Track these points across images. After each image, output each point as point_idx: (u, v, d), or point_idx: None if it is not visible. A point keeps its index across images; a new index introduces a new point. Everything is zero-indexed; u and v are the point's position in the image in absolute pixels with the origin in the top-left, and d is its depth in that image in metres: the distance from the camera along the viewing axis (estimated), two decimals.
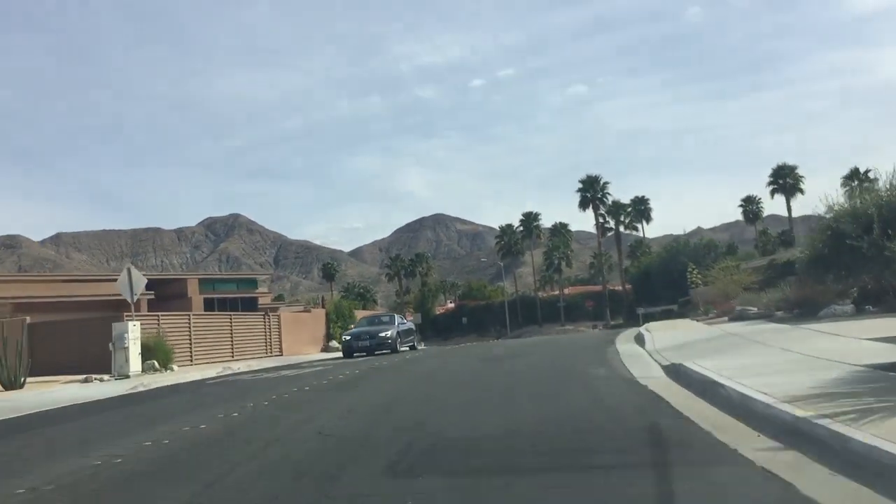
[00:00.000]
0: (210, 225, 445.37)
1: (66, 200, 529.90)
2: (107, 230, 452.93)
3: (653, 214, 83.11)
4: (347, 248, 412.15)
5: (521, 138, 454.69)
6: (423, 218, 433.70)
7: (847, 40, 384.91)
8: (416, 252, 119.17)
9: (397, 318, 36.08)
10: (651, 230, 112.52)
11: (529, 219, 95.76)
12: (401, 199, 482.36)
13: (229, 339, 34.71)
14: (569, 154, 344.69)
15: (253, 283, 61.79)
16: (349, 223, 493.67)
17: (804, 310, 22.19)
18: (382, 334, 30.84)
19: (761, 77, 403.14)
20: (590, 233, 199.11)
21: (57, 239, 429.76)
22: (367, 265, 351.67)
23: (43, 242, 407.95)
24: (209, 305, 51.74)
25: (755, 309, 26.57)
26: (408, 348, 33.89)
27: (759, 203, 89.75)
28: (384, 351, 30.58)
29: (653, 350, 17.05)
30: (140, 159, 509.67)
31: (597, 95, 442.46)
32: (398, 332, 32.23)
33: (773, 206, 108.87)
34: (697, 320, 32.06)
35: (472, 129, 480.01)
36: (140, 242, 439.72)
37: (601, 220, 79.03)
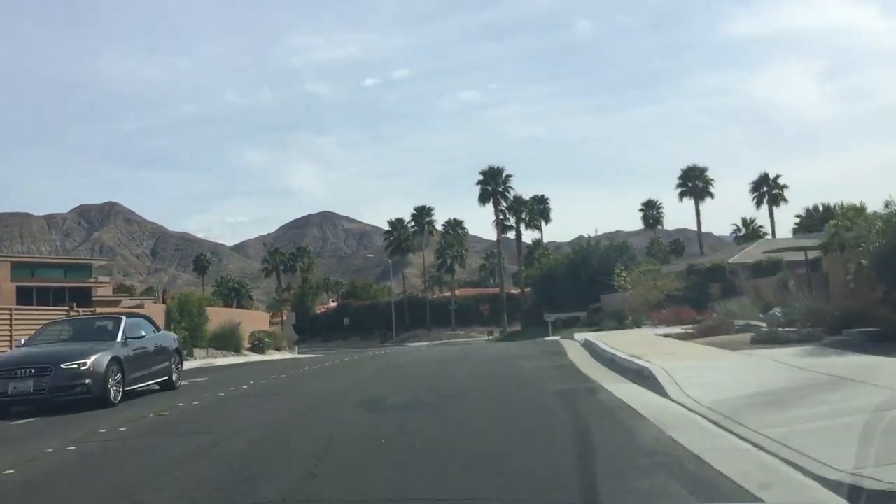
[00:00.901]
0: (83, 212, 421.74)
1: None
2: None
3: (552, 215, 76.14)
4: (231, 243, 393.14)
5: (413, 139, 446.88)
6: (311, 215, 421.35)
7: (726, 62, 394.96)
8: (299, 246, 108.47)
9: (127, 326, 15.64)
10: (548, 235, 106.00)
11: (422, 213, 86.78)
12: (288, 195, 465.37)
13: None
14: (462, 158, 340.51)
15: (86, 271, 50.19)
16: (234, 217, 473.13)
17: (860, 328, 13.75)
18: (67, 365, 13.30)
19: (647, 92, 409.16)
20: (479, 237, 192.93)
21: None
22: (250, 260, 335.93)
23: None
24: (24, 296, 40.23)
25: (763, 326, 18.27)
26: (155, 386, 16.28)
27: (659, 208, 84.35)
28: (67, 397, 13.23)
29: (716, 414, 8.03)
30: (9, 139, 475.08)
31: (489, 102, 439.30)
32: (114, 360, 14.02)
33: (682, 215, 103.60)
34: (664, 334, 23.36)
35: (364, 128, 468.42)
36: (6, 228, 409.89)
37: (501, 216, 70.91)
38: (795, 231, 69.15)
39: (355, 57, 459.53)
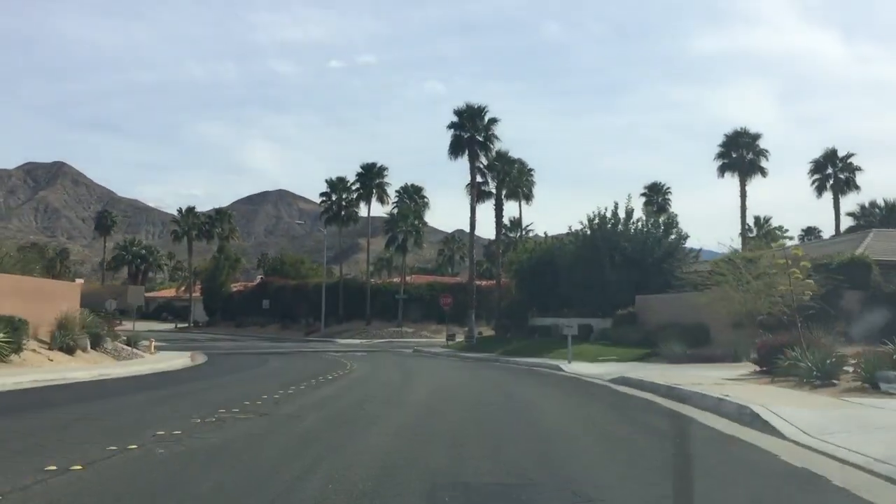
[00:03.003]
0: (30, 170, 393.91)
1: None
2: None
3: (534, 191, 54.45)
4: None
5: (375, 125, 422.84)
6: (266, 192, 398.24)
7: (686, 77, 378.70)
8: (217, 208, 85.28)
9: None
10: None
11: (371, 173, 64.43)
12: (245, 171, 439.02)
13: None
14: (425, 149, 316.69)
15: None
16: (187, 189, 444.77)
17: None
18: None
19: (608, 101, 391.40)
20: (437, 229, 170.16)
21: None
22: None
23: None
24: None
25: None
26: None
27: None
28: None
29: None
30: None
31: (453, 94, 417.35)
32: None
33: None
34: None
35: (325, 110, 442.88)
36: None
37: (479, 176, 49.18)
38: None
39: (321, 39, 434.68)
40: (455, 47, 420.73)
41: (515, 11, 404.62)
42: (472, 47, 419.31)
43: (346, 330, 62.68)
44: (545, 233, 44.46)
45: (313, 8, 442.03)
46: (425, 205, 66.76)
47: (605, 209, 37.17)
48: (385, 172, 64.93)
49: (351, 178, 65.72)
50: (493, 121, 48.70)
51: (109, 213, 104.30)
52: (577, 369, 23.57)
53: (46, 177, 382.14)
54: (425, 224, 63.54)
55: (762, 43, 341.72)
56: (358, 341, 56.94)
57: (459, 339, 47.05)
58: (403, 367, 27.94)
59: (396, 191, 66.83)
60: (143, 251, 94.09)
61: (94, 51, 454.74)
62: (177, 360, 30.96)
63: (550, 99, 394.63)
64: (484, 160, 49.17)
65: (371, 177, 64.06)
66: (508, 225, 62.73)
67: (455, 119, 48.41)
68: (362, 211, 67.18)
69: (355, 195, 65.42)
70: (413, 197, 65.96)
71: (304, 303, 67.42)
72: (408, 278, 69.91)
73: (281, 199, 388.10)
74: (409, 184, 66.80)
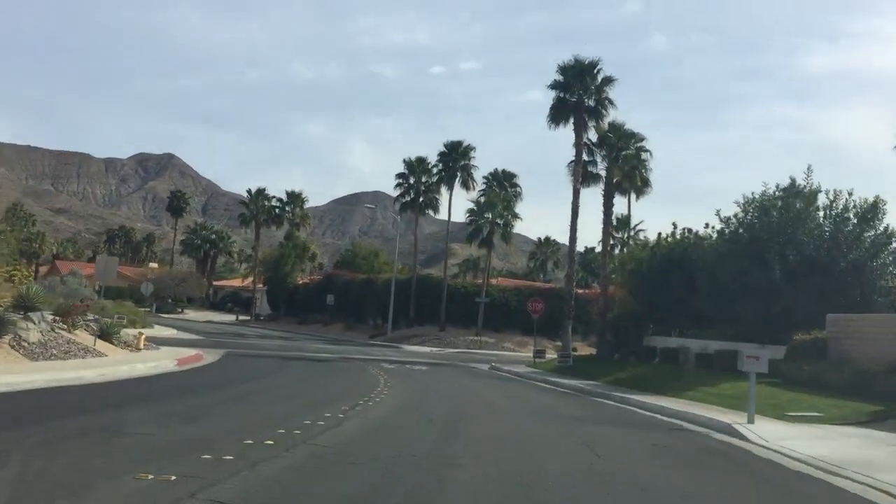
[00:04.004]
0: (142, 161, 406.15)
1: None
2: (32, 146, 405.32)
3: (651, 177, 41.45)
4: None
5: (474, 132, 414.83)
6: (363, 193, 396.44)
7: (798, 95, 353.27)
8: (289, 190, 76.32)
9: None
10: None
11: (456, 153, 53.94)
12: (343, 172, 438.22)
13: None
14: (520, 159, 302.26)
15: None
16: (288, 185, 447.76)
17: None
18: None
19: (715, 115, 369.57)
20: (527, 237, 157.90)
21: None
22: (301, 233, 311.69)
23: None
24: None
25: None
26: None
27: None
28: None
29: None
30: (81, 81, 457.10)
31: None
32: None
33: None
34: None
35: (425, 115, 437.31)
36: (65, 165, 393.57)
37: (585, 153, 37.78)
38: None
39: (425, 43, 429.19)
40: (559, 56, 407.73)
41: (622, 22, 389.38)
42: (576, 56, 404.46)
43: (416, 335, 52.39)
44: (660, 234, 32.87)
45: (419, 12, 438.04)
46: (517, 195, 55.79)
47: (773, 186, 25.38)
48: (472, 153, 54.25)
49: (432, 159, 55.42)
50: (608, 81, 37.31)
51: (182, 193, 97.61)
52: (777, 440, 12.28)
53: (156, 167, 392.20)
54: (517, 217, 52.56)
55: (879, 62, 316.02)
56: (427, 349, 46.64)
57: (550, 355, 35.94)
58: (461, 400, 17.33)
59: (484, 177, 56.17)
60: (213, 236, 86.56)
61: (206, 47, 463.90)
62: (157, 363, 21.58)
63: (652, 110, 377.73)
64: (592, 131, 37.97)
65: (455, 157, 53.49)
66: (615, 223, 50.98)
67: (559, 77, 37.32)
68: (443, 202, 56.73)
69: (436, 178, 55.05)
70: (503, 184, 55.12)
71: (371, 301, 57.58)
72: (493, 281, 59.16)
73: (377, 200, 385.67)
74: (499, 169, 55.97)
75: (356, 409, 13.20)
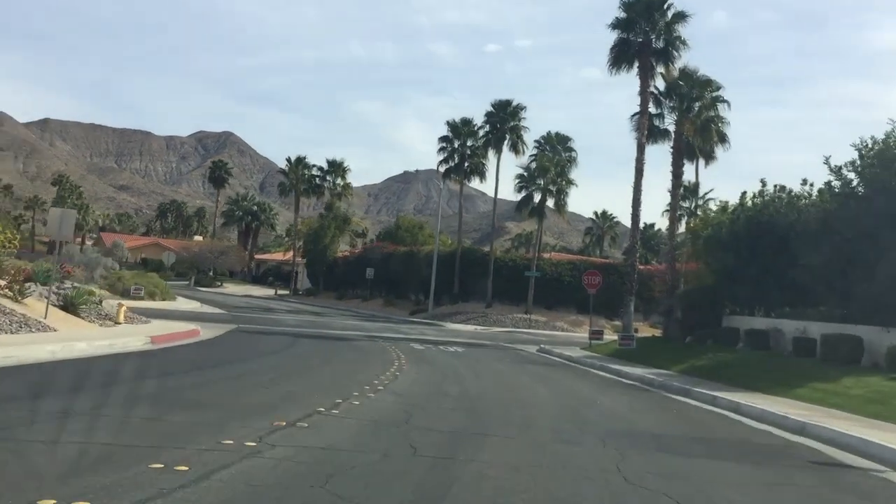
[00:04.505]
0: (202, 139, 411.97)
1: (61, 87, 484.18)
2: (95, 125, 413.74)
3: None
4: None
5: (528, 112, 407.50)
6: (418, 171, 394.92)
7: (861, 72, 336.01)
8: (330, 159, 71.72)
9: None
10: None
11: (504, 113, 48.44)
12: (397, 150, 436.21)
13: None
14: (580, 135, 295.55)
15: None
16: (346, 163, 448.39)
17: None
18: None
19: (776, 94, 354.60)
20: (575, 214, 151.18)
21: (44, 124, 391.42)
22: (353, 209, 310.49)
23: (29, 125, 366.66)
24: None
25: None
26: None
27: None
28: None
29: None
30: (139, 58, 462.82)
31: (610, 82, 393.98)
32: None
33: None
34: None
35: (480, 94, 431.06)
36: (127, 143, 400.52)
37: (653, 104, 32.01)
38: None
39: (480, 22, 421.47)
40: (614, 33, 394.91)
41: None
42: None
43: (459, 312, 47.54)
44: (744, 193, 26.95)
45: None
46: (572, 160, 50.09)
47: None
48: (522, 113, 48.79)
49: (478, 120, 50.03)
50: (680, 17, 31.43)
51: (223, 163, 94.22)
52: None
53: (215, 145, 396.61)
54: (572, 184, 46.88)
55: None
56: (471, 328, 41.84)
57: (609, 337, 30.64)
58: (486, 400, 12.35)
59: (536, 140, 50.64)
60: (255, 207, 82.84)
61: (263, 27, 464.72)
62: (119, 340, 17.28)
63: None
64: (660, 79, 32.24)
65: (504, 117, 48.08)
66: (685, 189, 44.84)
67: (621, 14, 31.63)
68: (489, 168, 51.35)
69: (482, 141, 49.75)
70: (557, 148, 49.52)
71: (413, 275, 52.86)
72: (545, 255, 53.85)
73: (430, 178, 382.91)
74: (552, 132, 50.32)
75: (312, 419, 8.37)
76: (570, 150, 50.07)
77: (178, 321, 25.81)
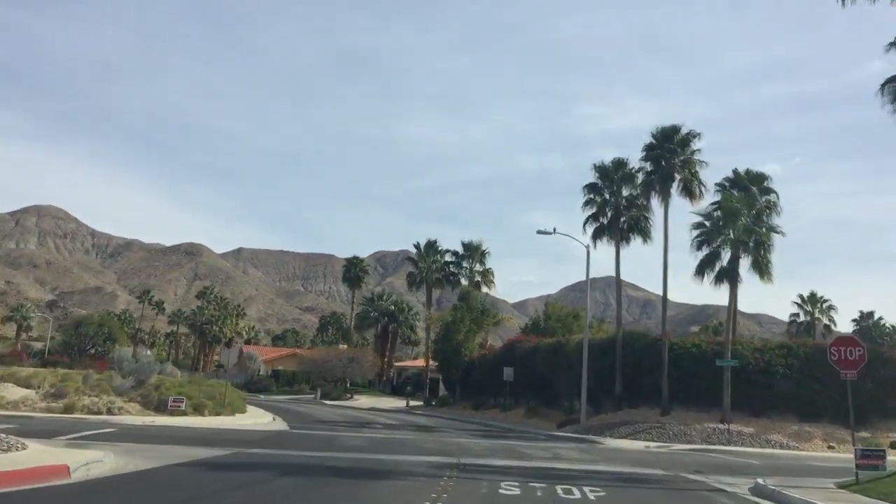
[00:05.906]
0: (381, 258, 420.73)
1: (251, 218, 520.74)
2: (283, 251, 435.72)
3: None
4: (513, 300, 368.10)
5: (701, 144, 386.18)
6: (595, 279, 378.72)
7: None
8: (466, 242, 60.22)
9: None
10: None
11: (671, 143, 33.62)
12: (573, 259, 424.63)
13: None
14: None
15: None
16: (519, 276, 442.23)
17: None
18: None
19: None
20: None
21: (238, 253, 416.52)
22: (526, 319, 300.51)
23: (224, 255, 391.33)
24: None
25: None
26: None
27: None
28: None
29: None
30: (325, 189, 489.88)
31: (789, 175, 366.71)
32: None
33: None
34: None
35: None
36: (312, 266, 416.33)
37: None
38: None
39: (645, 126, 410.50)
40: (791, 126, 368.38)
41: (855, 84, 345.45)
42: (810, 126, 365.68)
43: (623, 422, 33.09)
44: None
45: (638, 99, 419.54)
46: (772, 205, 35.30)
47: None
48: (694, 143, 34.82)
49: (634, 160, 36.64)
50: None
51: (359, 260, 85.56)
52: None
53: (394, 264, 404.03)
54: (776, 231, 31.76)
55: None
56: (640, 445, 27.73)
57: (893, 458, 15.73)
58: None
59: (717, 183, 36.40)
60: (392, 307, 72.44)
61: (433, 150, 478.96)
62: None
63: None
64: None
65: (671, 150, 34.42)
66: None
67: None
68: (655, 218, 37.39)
69: (640, 187, 36.17)
70: (749, 189, 35.00)
71: (561, 374, 39.12)
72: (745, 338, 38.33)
73: (609, 286, 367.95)
74: (742, 169, 35.88)
75: None
76: (769, 190, 35.33)
77: (162, 444, 14.66)
